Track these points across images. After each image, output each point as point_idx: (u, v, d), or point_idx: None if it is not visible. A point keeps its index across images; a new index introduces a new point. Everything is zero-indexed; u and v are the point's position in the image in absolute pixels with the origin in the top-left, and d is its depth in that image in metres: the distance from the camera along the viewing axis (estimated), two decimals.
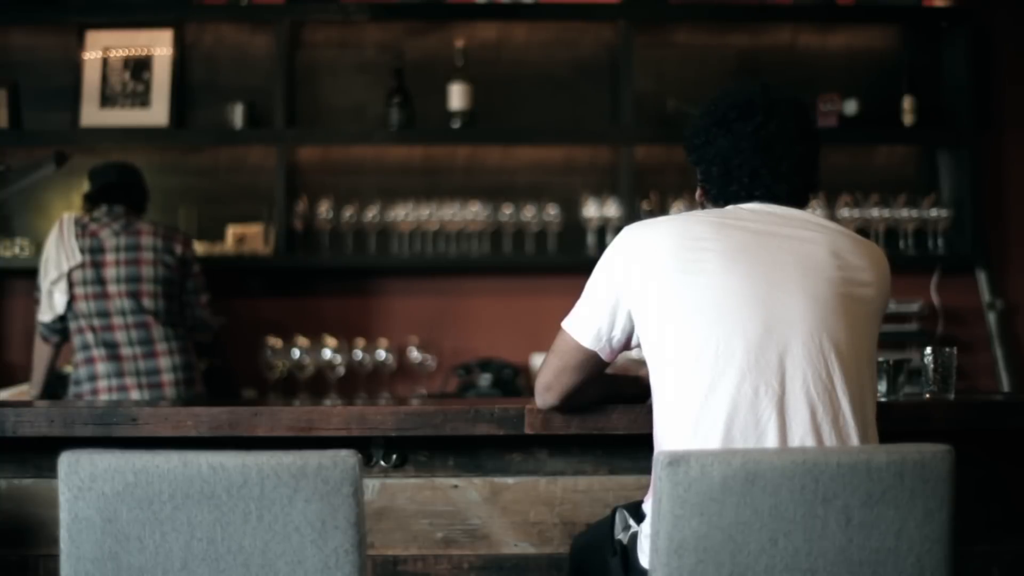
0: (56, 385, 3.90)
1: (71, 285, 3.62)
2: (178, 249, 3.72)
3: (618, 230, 2.59)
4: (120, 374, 3.61)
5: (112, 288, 3.62)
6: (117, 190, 3.72)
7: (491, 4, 4.45)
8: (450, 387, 4.38)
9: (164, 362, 3.64)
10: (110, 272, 3.62)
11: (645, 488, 2.05)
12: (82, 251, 3.62)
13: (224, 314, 4.09)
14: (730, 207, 2.05)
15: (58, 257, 3.62)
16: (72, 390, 3.66)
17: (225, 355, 4.20)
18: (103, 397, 3.56)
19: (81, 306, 3.61)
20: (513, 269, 4.49)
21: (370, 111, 4.48)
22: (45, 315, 3.66)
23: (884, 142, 4.58)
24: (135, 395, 3.58)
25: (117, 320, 3.61)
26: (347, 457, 1.69)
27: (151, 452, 1.75)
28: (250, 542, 1.67)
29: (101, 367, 3.60)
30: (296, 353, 4.24)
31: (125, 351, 3.61)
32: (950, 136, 4.47)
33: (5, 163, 4.01)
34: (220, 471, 1.66)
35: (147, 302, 3.63)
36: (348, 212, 4.36)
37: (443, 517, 2.36)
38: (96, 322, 3.61)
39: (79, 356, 3.64)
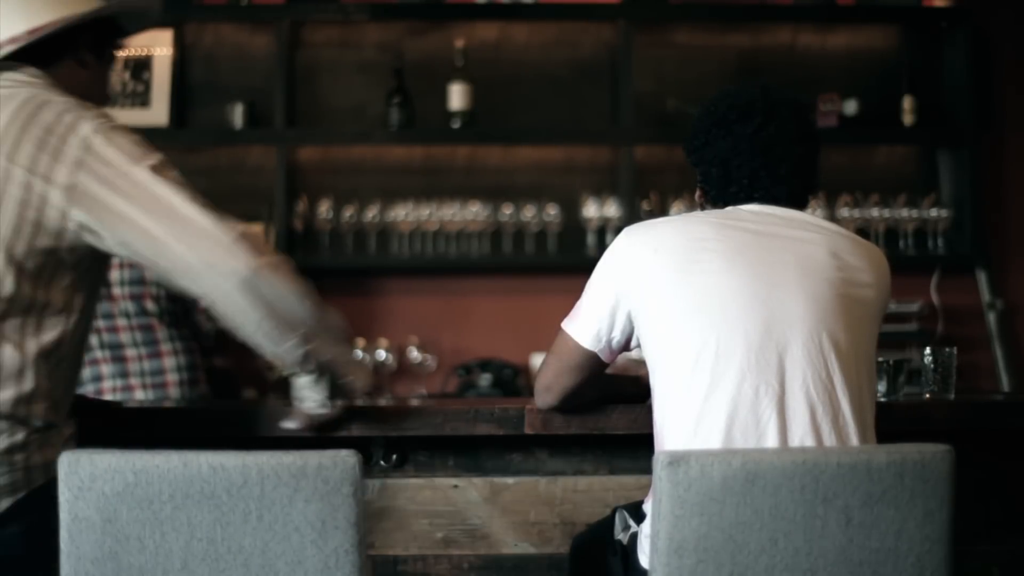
0: None
1: None
2: None
3: (618, 230, 2.59)
4: (125, 375, 3.61)
5: (117, 290, 3.62)
6: None
7: (491, 4, 4.45)
8: (450, 387, 4.38)
9: (168, 362, 3.64)
10: (115, 274, 3.62)
11: (645, 488, 2.05)
12: None
13: None
14: (730, 208, 2.05)
15: None
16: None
17: (225, 355, 4.20)
18: (107, 397, 3.57)
19: None
20: (513, 269, 4.49)
21: (370, 111, 4.48)
22: None
23: (884, 142, 4.58)
24: (139, 395, 3.59)
25: (121, 322, 3.62)
26: (347, 457, 1.69)
27: (151, 452, 1.75)
28: (250, 542, 1.67)
29: (106, 368, 3.61)
30: None
31: (130, 352, 3.62)
32: (950, 136, 4.47)
33: None
34: (220, 471, 1.66)
35: (150, 305, 3.64)
36: (348, 212, 4.35)
37: (443, 517, 2.36)
38: (101, 323, 3.61)
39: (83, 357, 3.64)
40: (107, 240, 1.87)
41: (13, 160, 1.83)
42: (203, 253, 1.84)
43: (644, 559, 1.94)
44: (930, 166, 4.58)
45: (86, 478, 1.66)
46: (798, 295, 1.90)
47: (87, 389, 3.63)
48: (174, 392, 3.63)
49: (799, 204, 2.06)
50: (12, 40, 1.93)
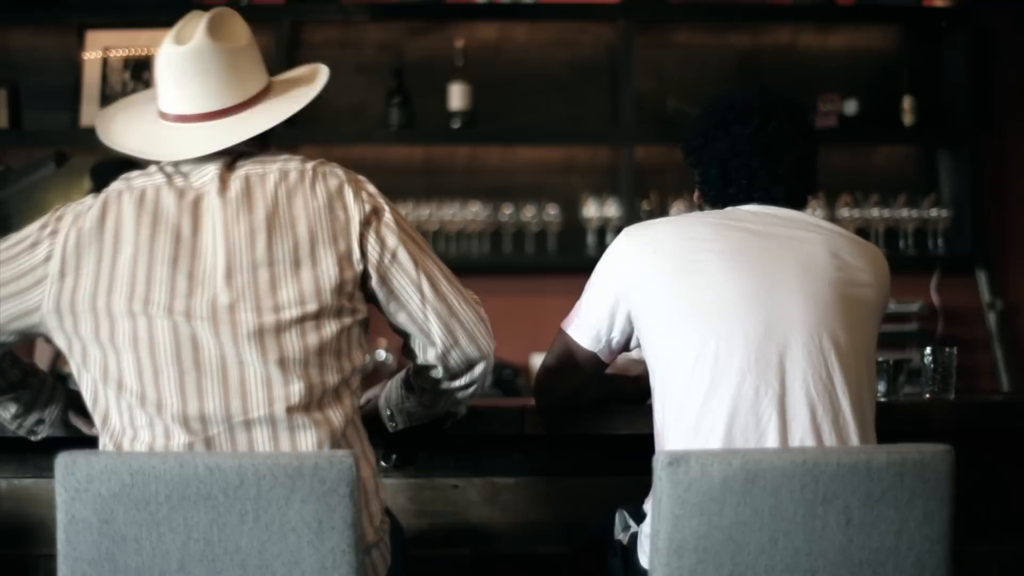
0: None
1: None
2: None
3: (618, 230, 2.59)
4: None
5: None
6: None
7: (491, 4, 4.44)
8: None
9: None
10: None
11: (645, 488, 2.04)
12: None
13: None
14: (729, 208, 2.05)
15: None
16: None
17: None
18: None
19: None
20: (513, 269, 4.48)
21: (370, 111, 4.47)
22: None
23: (884, 142, 4.57)
24: None
25: None
26: (344, 457, 1.69)
27: (148, 453, 1.74)
28: (247, 543, 1.66)
29: None
30: None
31: None
32: (950, 136, 4.47)
33: (5, 163, 4.00)
34: (217, 472, 1.65)
35: None
36: None
37: (443, 517, 2.35)
38: None
39: None
40: None
41: None
42: None
43: (644, 559, 1.93)
44: (930, 166, 4.58)
45: (83, 479, 1.66)
46: (798, 295, 1.90)
47: None
48: None
49: (798, 204, 2.06)
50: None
